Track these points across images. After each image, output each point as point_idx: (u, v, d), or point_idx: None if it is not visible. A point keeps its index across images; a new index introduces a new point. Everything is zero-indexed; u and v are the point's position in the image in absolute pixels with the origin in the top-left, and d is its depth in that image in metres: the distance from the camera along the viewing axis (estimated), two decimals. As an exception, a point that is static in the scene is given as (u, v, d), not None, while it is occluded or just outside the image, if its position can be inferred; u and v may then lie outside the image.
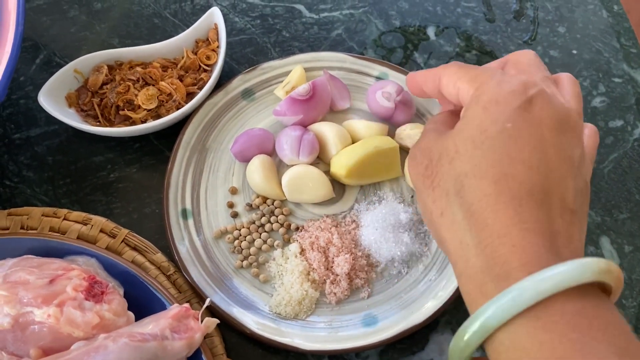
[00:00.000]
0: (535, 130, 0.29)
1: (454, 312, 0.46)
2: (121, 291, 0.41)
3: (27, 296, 0.38)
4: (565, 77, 0.34)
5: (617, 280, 0.27)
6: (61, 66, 0.52)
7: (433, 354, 0.44)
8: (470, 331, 0.27)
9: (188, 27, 0.54)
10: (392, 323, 0.43)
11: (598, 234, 0.49)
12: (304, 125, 0.50)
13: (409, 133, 0.48)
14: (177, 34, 0.55)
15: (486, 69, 0.33)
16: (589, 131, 0.34)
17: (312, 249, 0.45)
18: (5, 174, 0.51)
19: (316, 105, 0.49)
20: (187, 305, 0.40)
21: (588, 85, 0.55)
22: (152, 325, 0.38)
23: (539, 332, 0.26)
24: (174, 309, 0.39)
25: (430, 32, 0.58)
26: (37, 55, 0.57)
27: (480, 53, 0.57)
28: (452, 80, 0.33)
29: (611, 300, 0.28)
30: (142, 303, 0.42)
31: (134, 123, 0.50)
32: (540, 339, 0.25)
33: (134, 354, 0.36)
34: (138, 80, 0.51)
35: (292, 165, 0.48)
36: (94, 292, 0.39)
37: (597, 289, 0.27)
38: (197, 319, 0.39)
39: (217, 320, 0.40)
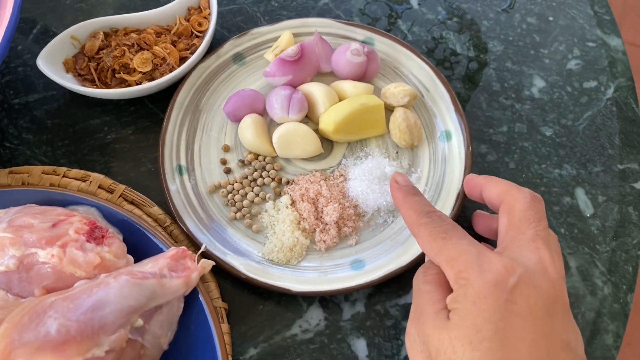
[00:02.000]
0: (526, 324, 0.29)
1: (438, 258, 0.48)
2: (120, 237, 0.43)
3: (32, 238, 0.40)
4: (550, 239, 0.34)
5: None
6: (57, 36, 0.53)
7: (418, 297, 0.47)
8: None
9: (180, -3, 0.56)
10: (378, 266, 0.45)
11: (573, 185, 0.52)
12: (293, 86, 0.52)
13: (393, 92, 0.51)
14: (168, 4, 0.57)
15: (463, 250, 0.32)
16: None
17: (302, 200, 0.48)
18: (6, 137, 0.53)
19: (304, 67, 0.51)
20: (184, 247, 0.42)
21: (564, 50, 0.58)
22: (151, 264, 0.40)
23: None
24: (172, 250, 0.41)
25: (414, 1, 0.60)
26: (34, 26, 0.58)
27: (460, 20, 0.59)
28: (431, 252, 0.33)
29: None
30: (139, 250, 0.43)
31: (129, 86, 0.52)
32: None
33: (134, 290, 0.38)
34: (133, 45, 0.53)
35: (282, 124, 0.50)
36: (95, 236, 0.41)
37: None
38: (194, 260, 0.42)
39: (212, 262, 0.42)
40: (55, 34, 0.57)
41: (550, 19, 0.60)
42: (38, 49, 0.56)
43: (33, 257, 0.40)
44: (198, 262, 0.42)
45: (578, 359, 0.30)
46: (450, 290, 0.32)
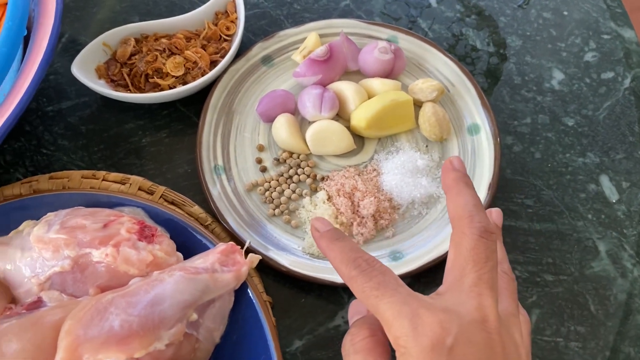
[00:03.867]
0: None
1: (472, 247, 0.50)
2: (168, 235, 0.44)
3: (85, 238, 0.41)
4: (500, 273, 0.33)
5: None
6: (86, 44, 0.55)
7: (455, 286, 0.48)
8: None
9: (203, 3, 0.58)
10: (416, 257, 0.47)
11: (598, 172, 0.53)
12: (323, 85, 0.53)
13: (421, 87, 0.52)
14: (194, 10, 0.58)
15: (396, 311, 0.30)
16: (522, 320, 0.33)
17: (338, 195, 0.49)
18: (42, 143, 0.54)
19: (333, 66, 0.53)
20: (232, 242, 0.43)
21: (580, 42, 0.60)
22: (202, 260, 0.41)
23: None
24: (222, 246, 0.42)
25: (432, 0, 0.62)
26: (62, 35, 0.59)
27: (478, 17, 0.61)
28: (370, 308, 0.31)
29: None
30: (185, 248, 0.44)
31: (162, 90, 0.53)
32: None
33: (189, 285, 0.39)
34: (164, 50, 0.54)
35: (315, 122, 0.52)
36: (145, 234, 0.42)
37: None
38: (242, 255, 0.43)
39: (259, 256, 0.44)
40: (83, 43, 0.59)
41: (565, 13, 0.62)
42: (68, 57, 0.57)
43: (87, 257, 0.41)
44: (245, 258, 0.43)
45: None
46: (383, 353, 0.31)
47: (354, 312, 0.36)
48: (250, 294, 0.43)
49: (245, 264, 0.42)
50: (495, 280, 0.31)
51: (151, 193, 0.50)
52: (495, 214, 0.37)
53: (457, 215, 0.32)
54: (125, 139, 0.54)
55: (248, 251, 0.46)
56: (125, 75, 0.54)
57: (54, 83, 0.57)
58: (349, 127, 0.52)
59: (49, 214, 0.43)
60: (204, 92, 0.54)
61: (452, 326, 0.29)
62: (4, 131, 0.41)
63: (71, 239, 0.41)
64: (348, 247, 0.33)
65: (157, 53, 0.54)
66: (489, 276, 0.30)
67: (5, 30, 0.43)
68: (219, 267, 0.41)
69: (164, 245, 0.42)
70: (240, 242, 0.47)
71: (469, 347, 0.28)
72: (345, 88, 0.52)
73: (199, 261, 0.41)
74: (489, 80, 0.58)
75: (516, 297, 0.33)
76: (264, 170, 0.51)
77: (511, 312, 0.32)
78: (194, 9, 0.60)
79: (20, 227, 0.44)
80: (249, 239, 0.47)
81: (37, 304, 0.41)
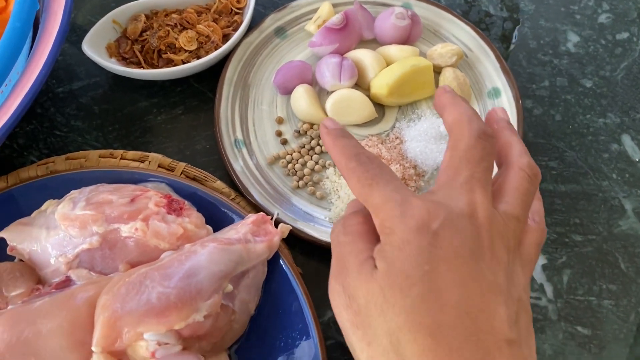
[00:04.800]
0: (452, 266, 0.28)
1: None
2: (195, 209, 0.43)
3: (113, 214, 0.40)
4: (514, 168, 0.32)
5: None
6: (92, 24, 0.53)
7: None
8: None
9: (212, -22, 0.56)
10: (446, 221, 0.46)
11: (619, 132, 0.53)
12: (339, 54, 0.52)
13: (440, 52, 0.52)
14: (202, -15, 0.57)
15: (387, 198, 0.30)
16: (532, 228, 0.32)
17: (362, 163, 0.48)
18: (55, 125, 0.52)
19: (349, 34, 0.52)
20: (263, 213, 0.42)
21: (593, 4, 0.60)
22: (234, 231, 0.41)
23: None
24: (252, 216, 0.42)
25: (442, -33, 0.61)
26: (67, 15, 0.58)
27: (490, -17, 0.60)
28: (359, 199, 0.31)
29: None
30: (212, 222, 0.44)
31: (175, 66, 0.52)
32: None
33: (223, 256, 0.39)
34: (176, 25, 0.53)
35: (333, 92, 0.51)
36: (174, 207, 0.41)
37: None
38: (273, 225, 0.42)
39: (290, 226, 0.43)
40: (89, 22, 0.57)
41: (577, -24, 0.61)
42: (75, 36, 0.56)
43: (116, 232, 0.40)
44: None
45: (512, 301, 0.28)
46: (372, 241, 0.31)
47: (349, 211, 0.35)
48: (283, 264, 0.42)
49: (277, 234, 0.42)
50: (489, 180, 0.30)
51: (172, 170, 0.48)
52: (500, 111, 0.36)
53: (455, 121, 0.32)
54: (140, 117, 0.53)
55: (276, 223, 0.45)
56: (137, 52, 0.52)
57: (63, 64, 0.55)
58: (368, 96, 0.52)
59: (72, 191, 0.42)
60: (217, 68, 0.53)
61: (440, 213, 0.28)
62: (22, 110, 0.40)
63: (99, 215, 0.40)
64: (352, 144, 0.33)
65: (169, 28, 0.53)
66: (483, 175, 0.30)
67: (18, 4, 0.42)
68: (251, 238, 0.41)
69: (193, 217, 0.41)
70: (266, 214, 0.46)
71: (454, 233, 0.28)
72: (364, 56, 0.51)
73: (231, 232, 0.41)
74: (504, 45, 0.57)
75: (527, 206, 0.31)
76: (284, 142, 0.51)
77: (513, 215, 0.30)
78: (202, -16, 0.59)
79: (43, 207, 0.43)
80: (276, 211, 0.46)
81: (66, 282, 0.40)
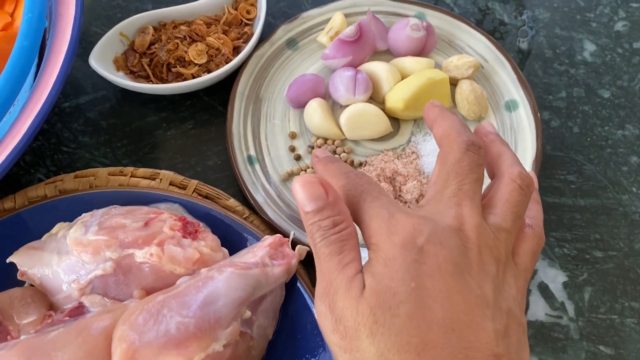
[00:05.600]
0: (437, 282, 0.27)
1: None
2: (210, 230, 0.42)
3: (127, 239, 0.39)
4: (505, 179, 0.31)
5: None
6: (98, 35, 0.52)
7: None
8: None
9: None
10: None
11: (638, 144, 0.52)
12: (353, 66, 0.51)
13: (457, 64, 0.50)
14: (209, -6, 0.56)
15: (374, 215, 0.29)
16: (528, 236, 0.31)
17: (379, 180, 0.47)
18: (62, 141, 0.51)
19: (363, 46, 0.51)
20: (280, 235, 0.41)
21: (609, 12, 0.58)
22: (250, 255, 0.40)
23: None
24: (269, 239, 0.40)
25: (455, -26, 0.60)
26: (72, 26, 0.57)
27: (504, -10, 0.59)
28: (352, 211, 0.30)
29: None
30: (226, 243, 0.43)
31: (185, 79, 0.51)
32: None
33: (241, 282, 0.38)
34: (185, 38, 0.52)
35: (347, 106, 0.50)
36: (189, 231, 0.40)
37: None
38: (290, 247, 0.41)
39: (307, 248, 0.42)
40: (96, 32, 0.56)
41: (592, -18, 0.60)
42: (80, 48, 0.55)
43: (130, 258, 0.39)
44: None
45: (500, 314, 0.28)
46: (357, 249, 0.30)
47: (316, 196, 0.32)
48: (300, 286, 0.41)
49: (295, 257, 0.41)
50: (478, 192, 0.30)
51: (183, 188, 0.47)
52: (488, 125, 0.35)
53: (444, 134, 0.32)
54: (149, 132, 0.52)
55: (293, 243, 0.44)
56: (146, 66, 0.51)
57: (68, 78, 0.53)
58: (383, 110, 0.50)
59: (83, 214, 0.41)
60: (227, 80, 0.52)
61: (425, 228, 0.28)
62: (32, 132, 0.39)
63: (112, 240, 0.38)
64: (341, 166, 0.33)
65: (178, 41, 0.51)
66: (470, 187, 0.30)
67: (26, 23, 0.40)
68: (269, 261, 0.39)
69: (208, 240, 0.40)
70: (281, 233, 0.45)
71: (440, 248, 0.28)
72: (378, 69, 0.50)
73: (248, 256, 0.39)
74: (520, 54, 0.56)
75: (518, 217, 0.30)
76: (298, 158, 0.49)
77: (502, 227, 0.30)
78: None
79: (54, 230, 0.42)
80: (292, 230, 0.45)
81: (79, 309, 0.39)
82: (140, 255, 0.38)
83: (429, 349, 0.26)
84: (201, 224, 0.42)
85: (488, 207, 0.31)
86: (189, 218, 0.42)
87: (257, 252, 0.40)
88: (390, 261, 0.28)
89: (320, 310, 0.29)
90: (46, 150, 0.51)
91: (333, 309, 0.29)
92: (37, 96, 0.40)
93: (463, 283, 0.27)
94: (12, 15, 0.47)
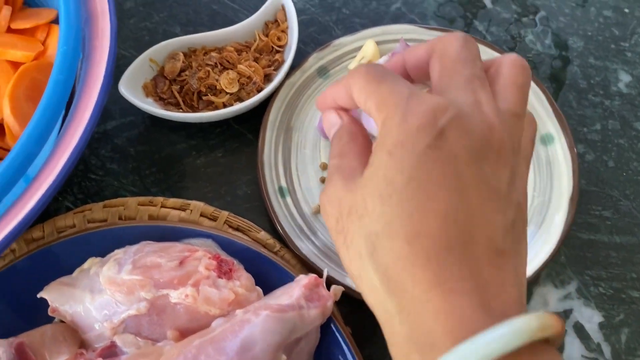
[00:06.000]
0: (448, 168, 0.26)
1: (553, 264, 0.47)
2: (243, 268, 0.42)
3: (162, 279, 0.38)
4: (506, 64, 0.29)
5: (558, 334, 0.24)
6: (126, 58, 0.52)
7: (538, 306, 0.46)
8: None
9: (247, 11, 0.55)
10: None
11: (675, 180, 0.51)
12: (386, 97, 0.50)
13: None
14: (238, 18, 0.55)
15: (394, 91, 0.27)
16: (527, 121, 0.30)
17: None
18: (89, 168, 0.51)
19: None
20: (315, 275, 0.40)
21: (644, 41, 0.58)
22: (286, 296, 0.39)
23: None
24: (304, 279, 0.40)
25: (487, 0, 0.59)
26: (99, 49, 0.56)
27: (536, 17, 0.58)
28: (362, 97, 0.29)
29: (554, 346, 0.25)
30: (260, 279, 0.42)
31: (216, 108, 0.50)
32: None
33: (277, 325, 0.37)
34: (216, 65, 0.51)
35: (380, 137, 0.49)
36: (223, 270, 0.39)
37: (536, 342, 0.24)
38: (325, 287, 0.40)
39: (342, 288, 0.41)
40: (124, 56, 0.56)
41: (626, 10, 0.59)
42: (108, 73, 0.54)
43: (165, 298, 0.38)
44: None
45: (511, 208, 0.26)
46: (365, 157, 0.30)
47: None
48: (334, 328, 0.40)
49: (330, 298, 0.40)
50: (487, 80, 0.29)
51: (214, 219, 0.47)
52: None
53: (434, 45, 0.30)
54: (178, 160, 0.51)
55: (327, 281, 0.43)
56: (176, 93, 0.51)
57: (96, 102, 0.53)
58: (416, 141, 0.50)
59: (116, 250, 0.41)
60: (257, 107, 0.51)
61: (449, 110, 0.26)
62: (68, 168, 0.38)
63: (147, 280, 0.38)
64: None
65: (209, 68, 0.51)
66: (482, 74, 0.28)
67: (61, 56, 0.40)
68: (304, 303, 0.39)
69: (243, 280, 0.40)
70: (312, 269, 0.45)
71: (463, 134, 0.26)
72: (411, 100, 0.49)
73: (284, 297, 0.39)
74: (554, 85, 0.55)
75: (526, 101, 0.29)
76: (329, 190, 0.49)
77: (514, 112, 0.28)
78: (237, 16, 0.57)
79: (85, 265, 0.41)
80: (326, 267, 0.44)
81: (111, 348, 0.38)
82: (175, 296, 0.38)
83: (420, 238, 0.25)
84: (235, 261, 0.41)
85: (495, 95, 0.29)
86: (223, 256, 0.41)
87: (293, 293, 0.39)
88: (397, 148, 0.26)
89: (323, 204, 0.31)
90: (73, 178, 0.50)
91: (331, 197, 0.30)
92: (72, 132, 0.39)
93: (479, 171, 0.26)
94: (44, 43, 0.46)
